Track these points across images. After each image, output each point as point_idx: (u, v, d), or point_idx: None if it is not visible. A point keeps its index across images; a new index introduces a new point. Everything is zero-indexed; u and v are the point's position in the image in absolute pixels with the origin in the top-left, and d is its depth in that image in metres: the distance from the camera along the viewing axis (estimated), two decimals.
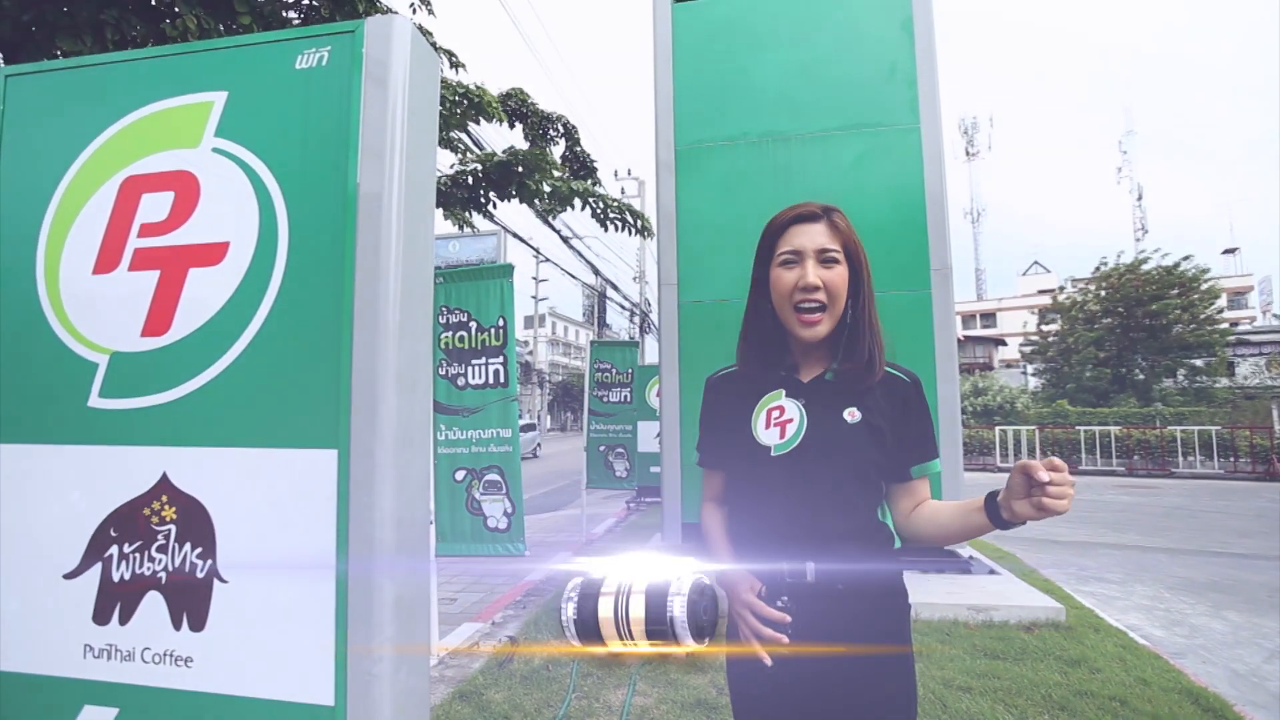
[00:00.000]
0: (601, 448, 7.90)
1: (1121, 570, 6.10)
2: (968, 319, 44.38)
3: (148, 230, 1.54)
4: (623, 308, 23.25)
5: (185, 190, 1.55)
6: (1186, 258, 24.44)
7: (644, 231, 5.22)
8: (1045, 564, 6.15)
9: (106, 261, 1.55)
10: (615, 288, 19.90)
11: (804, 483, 1.21)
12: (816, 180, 5.82)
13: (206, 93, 1.58)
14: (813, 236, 1.24)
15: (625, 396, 8.00)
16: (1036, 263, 46.77)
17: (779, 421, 1.24)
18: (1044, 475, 0.93)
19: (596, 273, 17.32)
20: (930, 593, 4.31)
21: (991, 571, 4.92)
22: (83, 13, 2.72)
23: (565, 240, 14.54)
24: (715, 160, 6.02)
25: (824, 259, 1.23)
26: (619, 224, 5.12)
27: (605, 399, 8.00)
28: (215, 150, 1.54)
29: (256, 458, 1.40)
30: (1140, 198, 49.82)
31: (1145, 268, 24.86)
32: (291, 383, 1.41)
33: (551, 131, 7.15)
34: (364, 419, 1.35)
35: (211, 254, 1.51)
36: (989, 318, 44.68)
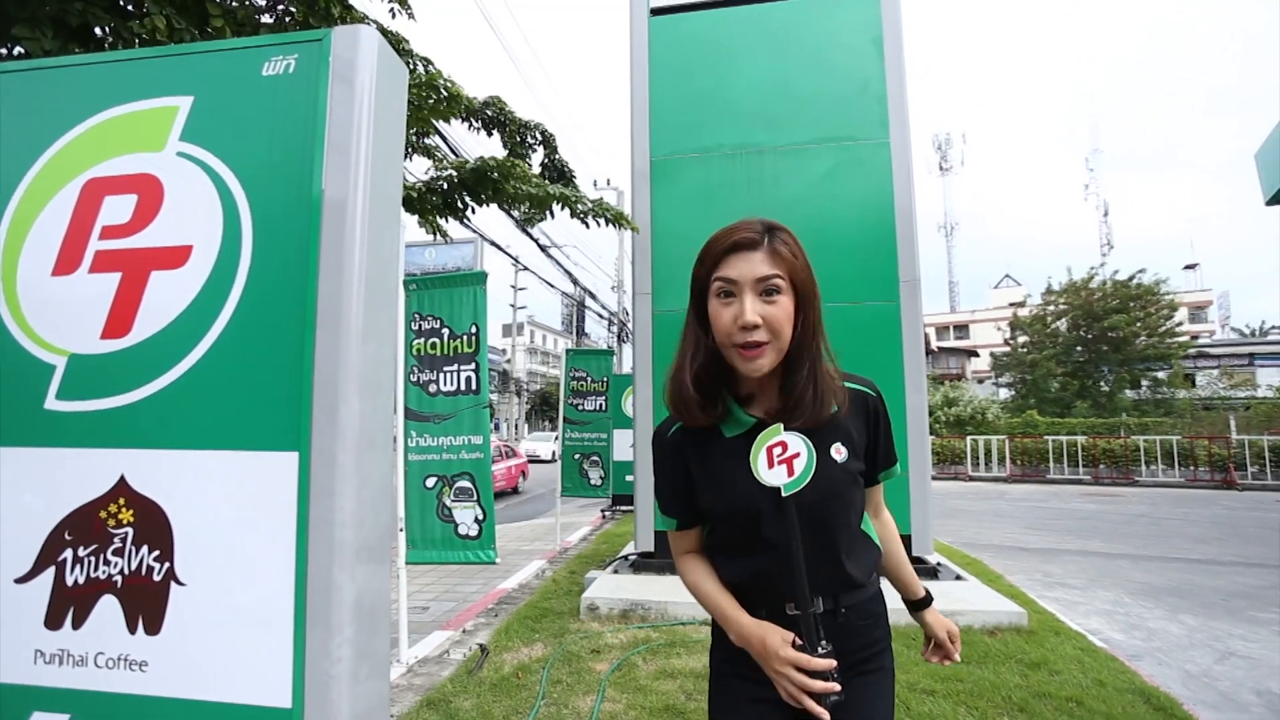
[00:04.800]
0: (576, 455, 7.90)
1: (1085, 576, 6.24)
2: (941, 330, 45.14)
3: (109, 232, 1.54)
4: (601, 316, 23.27)
5: (149, 193, 1.55)
6: (1141, 271, 25.35)
7: (623, 224, 5.27)
8: (1012, 570, 6.28)
9: (66, 263, 1.54)
10: (594, 296, 19.92)
11: (818, 518, 1.14)
12: (789, 192, 5.93)
13: (172, 97, 1.59)
14: (752, 265, 1.12)
15: (601, 405, 8.02)
16: (1008, 276, 47.77)
17: (784, 459, 1.12)
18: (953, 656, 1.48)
19: (575, 282, 17.34)
20: (896, 598, 4.37)
21: (958, 577, 5.00)
22: (43, 5, 2.67)
23: (544, 249, 14.53)
24: (690, 171, 6.11)
25: (765, 289, 1.11)
26: (601, 220, 5.18)
27: (581, 407, 8.00)
28: (180, 154, 1.55)
29: (217, 460, 1.40)
30: (1106, 214, 51.22)
31: (1097, 282, 25.74)
32: (254, 386, 1.41)
33: (530, 139, 7.16)
34: (325, 422, 1.36)
35: (174, 257, 1.51)
36: (962, 329, 45.48)
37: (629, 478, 8.70)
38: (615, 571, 5.26)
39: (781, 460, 1.11)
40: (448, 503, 3.84)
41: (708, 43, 6.26)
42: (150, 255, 1.52)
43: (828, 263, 5.80)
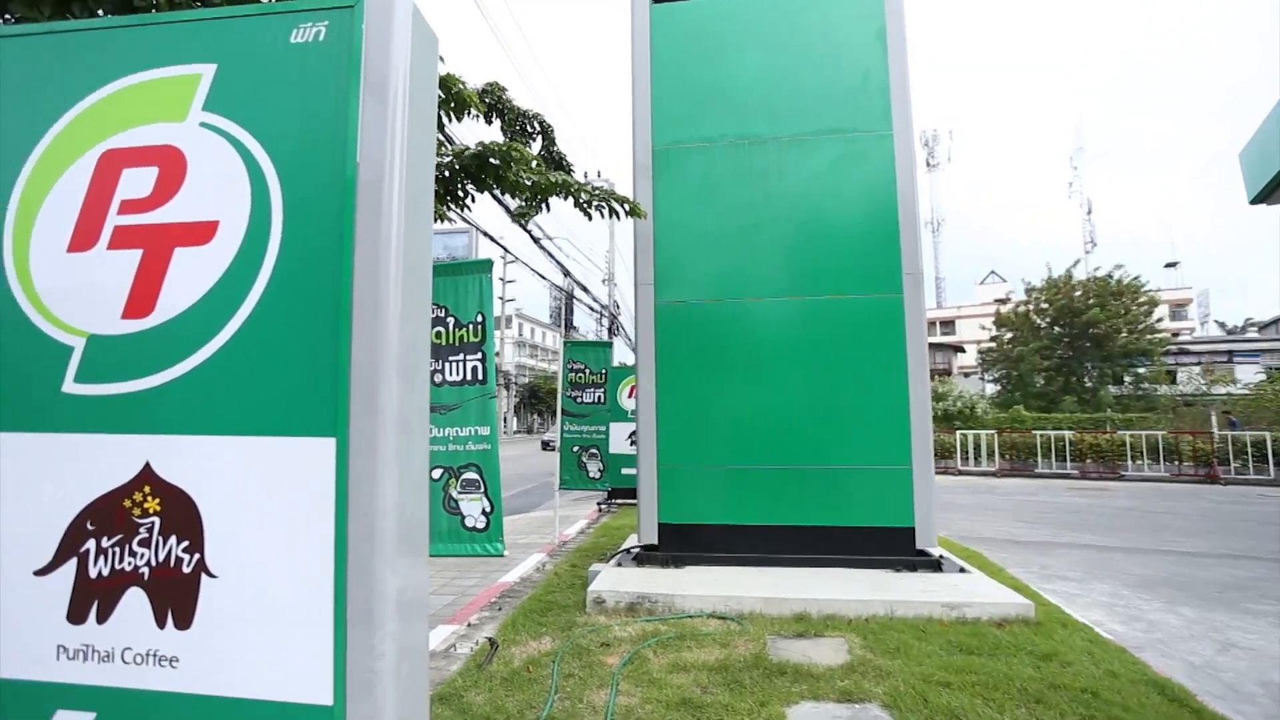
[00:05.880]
0: (575, 448, 7.84)
1: (1081, 568, 6.29)
2: (928, 326, 45.41)
3: (129, 207, 1.46)
4: (591, 309, 23.17)
5: (170, 166, 1.47)
6: (1118, 266, 25.87)
7: (630, 211, 5.18)
8: (1009, 563, 6.31)
9: (83, 239, 1.46)
10: (585, 289, 19.82)
11: None
12: (792, 184, 5.88)
13: (194, 65, 1.51)
14: None
15: (599, 397, 7.96)
16: (993, 272, 48.23)
17: None
18: None
19: (566, 274, 17.22)
20: (905, 591, 4.38)
21: (962, 570, 5.01)
22: None
23: (536, 240, 14.40)
24: (692, 161, 6.05)
25: None
26: (604, 210, 5.09)
27: (579, 399, 7.94)
28: (204, 125, 1.47)
29: (248, 446, 1.33)
30: (1090, 212, 51.72)
31: (1078, 277, 26.19)
32: (286, 368, 1.34)
33: (528, 128, 7.06)
34: (364, 406, 1.30)
35: (199, 233, 1.43)
36: (948, 325, 45.88)
37: (625, 471, 8.65)
38: (618, 565, 5.22)
39: None
40: (454, 495, 3.77)
41: (709, 32, 6.19)
42: (173, 231, 1.44)
43: (831, 255, 5.78)
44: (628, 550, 5.49)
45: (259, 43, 1.49)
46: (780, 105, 6.00)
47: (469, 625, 4.18)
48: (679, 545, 5.27)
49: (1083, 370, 25.90)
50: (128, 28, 1.56)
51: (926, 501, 5.17)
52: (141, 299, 1.41)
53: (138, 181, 1.47)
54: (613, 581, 4.63)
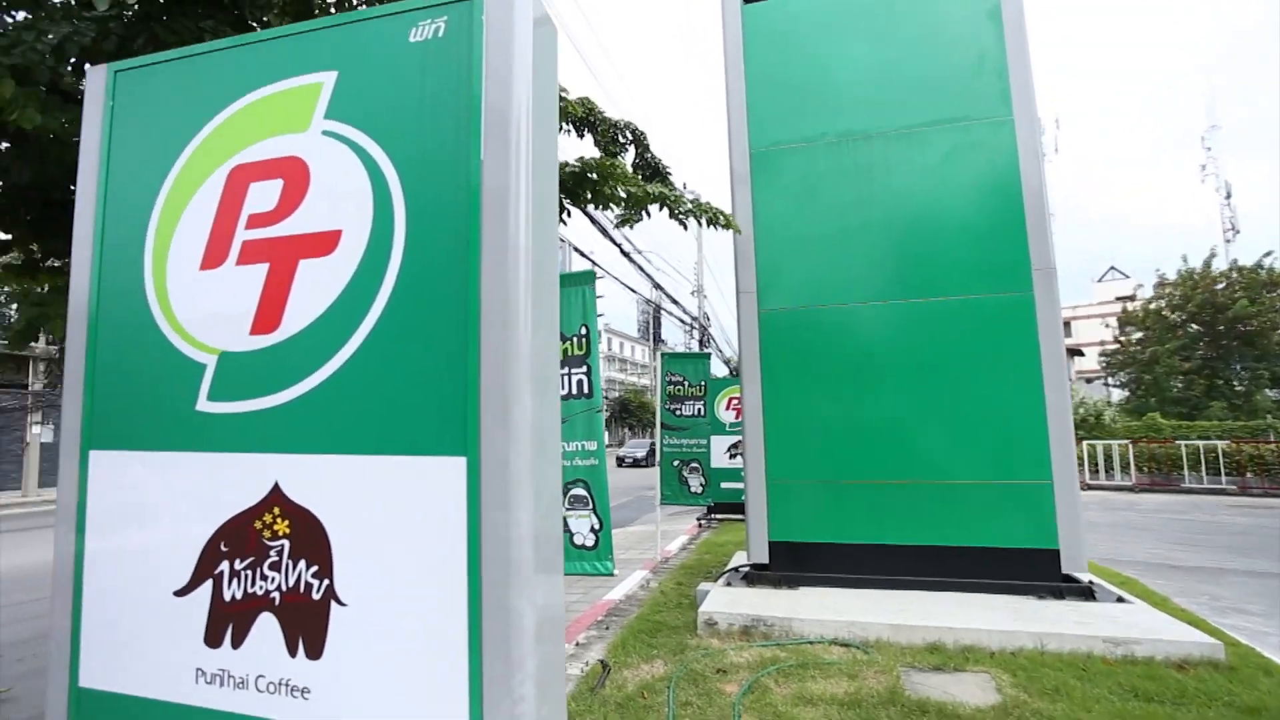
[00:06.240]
0: (675, 462, 7.66)
1: (1263, 600, 5.44)
2: None
3: (256, 221, 1.43)
4: (681, 321, 23.04)
5: (294, 177, 1.43)
6: (1268, 254, 22.86)
7: (724, 224, 5.01)
8: (1171, 591, 5.55)
9: (214, 256, 1.45)
10: (675, 301, 19.72)
11: None
12: (901, 180, 5.50)
13: (315, 74, 1.47)
14: None
15: (699, 410, 7.76)
16: (1113, 268, 44.10)
17: None
18: None
19: (657, 286, 17.20)
20: (1055, 622, 3.89)
21: (1120, 599, 4.42)
22: (187, 27, 2.75)
23: (626, 255, 14.45)
24: (792, 163, 5.78)
25: None
26: (702, 221, 4.95)
27: (678, 412, 7.77)
28: (325, 133, 1.42)
29: (375, 466, 1.25)
30: (1229, 196, 46.47)
31: (1217, 269, 23.39)
32: (413, 383, 1.26)
33: (621, 138, 7.03)
34: (496, 423, 1.18)
35: (323, 243, 1.38)
36: (1064, 326, 42.38)
37: (725, 485, 8.38)
38: (728, 584, 4.98)
39: None
40: (562, 511, 3.69)
41: (804, 28, 5.94)
42: (298, 243, 1.40)
43: (947, 254, 5.33)
44: (737, 569, 5.24)
45: (379, 45, 1.44)
46: (884, 98, 5.64)
47: (577, 645, 4.08)
48: (791, 564, 4.98)
49: (1230, 372, 23.09)
50: (252, 44, 1.55)
51: (1073, 520, 4.62)
52: (268, 314, 1.38)
53: (264, 195, 1.44)
54: (724, 602, 4.40)
